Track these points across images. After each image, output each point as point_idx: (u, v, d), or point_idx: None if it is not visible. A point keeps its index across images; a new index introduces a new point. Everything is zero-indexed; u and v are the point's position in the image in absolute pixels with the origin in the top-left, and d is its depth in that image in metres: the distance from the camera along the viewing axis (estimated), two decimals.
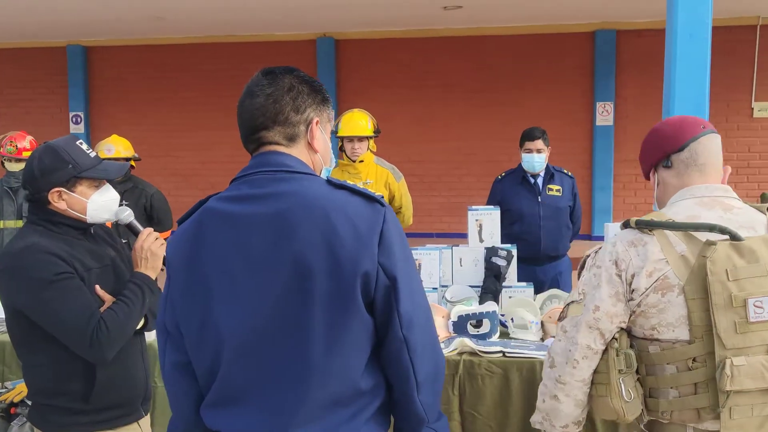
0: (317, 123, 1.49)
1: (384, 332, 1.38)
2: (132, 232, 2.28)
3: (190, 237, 1.43)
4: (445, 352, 2.84)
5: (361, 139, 4.24)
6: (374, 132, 4.30)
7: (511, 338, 3.00)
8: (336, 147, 4.43)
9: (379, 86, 9.63)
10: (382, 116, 9.34)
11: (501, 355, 2.80)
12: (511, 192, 4.31)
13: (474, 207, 3.42)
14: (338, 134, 4.29)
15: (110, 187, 2.15)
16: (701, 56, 4.59)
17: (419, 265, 3.29)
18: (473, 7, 7.93)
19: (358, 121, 4.25)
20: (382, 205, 1.39)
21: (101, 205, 2.11)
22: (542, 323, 3.05)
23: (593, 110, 9.22)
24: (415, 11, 8.11)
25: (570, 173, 4.60)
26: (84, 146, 2.10)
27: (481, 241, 3.33)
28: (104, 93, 10.28)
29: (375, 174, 4.31)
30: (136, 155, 4.97)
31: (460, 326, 3.01)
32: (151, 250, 2.16)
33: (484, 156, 9.47)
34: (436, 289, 3.27)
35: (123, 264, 2.19)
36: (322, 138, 1.51)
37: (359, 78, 9.69)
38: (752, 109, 9.01)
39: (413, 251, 3.30)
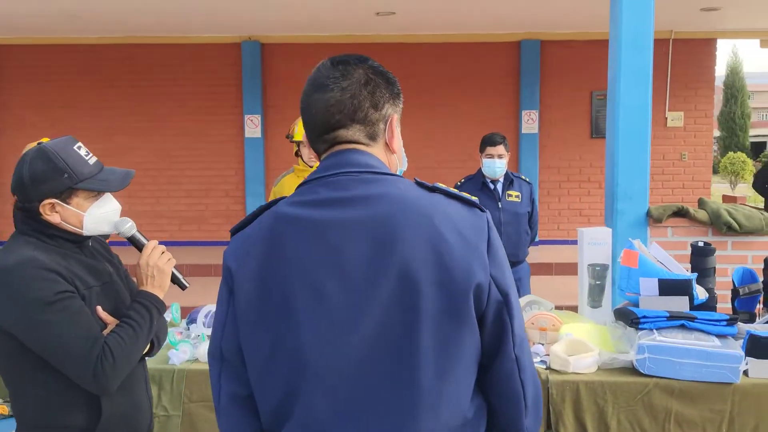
0: (395, 120, 1.35)
1: (494, 352, 1.24)
2: (135, 246, 2.04)
3: (261, 248, 1.23)
4: None
5: None
6: None
7: None
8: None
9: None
10: None
11: None
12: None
13: None
14: (294, 139, 4.14)
15: (110, 196, 1.91)
16: (644, 65, 4.75)
17: None
18: (406, 14, 7.92)
19: None
20: (482, 209, 1.27)
21: (100, 217, 1.87)
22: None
23: (519, 118, 9.42)
24: (348, 16, 8.02)
25: (527, 179, 4.66)
26: (83, 151, 1.85)
27: None
28: (12, 94, 9.59)
29: None
30: None
31: None
32: (158, 266, 1.92)
33: (414, 163, 9.44)
34: None
35: (120, 281, 1.96)
36: (398, 137, 1.38)
37: (287, 83, 9.49)
38: (666, 118, 9.47)
39: None
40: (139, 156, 9.50)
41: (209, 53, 9.49)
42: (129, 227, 2.02)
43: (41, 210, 1.79)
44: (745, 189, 21.13)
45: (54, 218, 1.81)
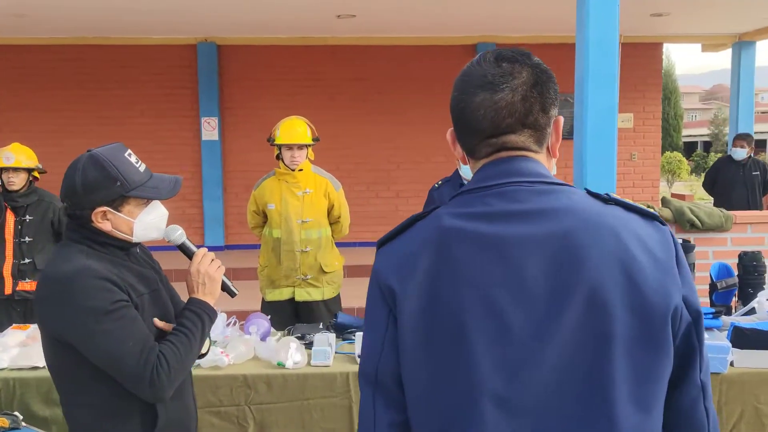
0: (561, 122, 1.22)
1: (680, 379, 1.13)
2: (185, 254, 2.03)
3: (428, 265, 1.11)
4: None
5: (300, 147, 4.12)
6: (313, 140, 4.19)
7: None
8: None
9: (265, 94, 9.41)
10: (266, 125, 9.14)
11: None
12: None
13: None
14: (276, 142, 4.13)
15: (158, 203, 1.92)
16: (610, 68, 4.92)
17: None
18: (367, 17, 7.96)
19: (297, 129, 4.12)
20: (662, 222, 1.16)
21: (149, 224, 1.89)
22: None
23: None
24: (308, 19, 8.01)
25: None
26: (133, 158, 1.86)
27: None
28: None
29: (314, 183, 4.20)
30: (40, 166, 4.52)
31: None
32: (209, 273, 1.93)
33: (371, 165, 9.52)
34: None
35: (164, 287, 1.96)
36: (559, 141, 1.24)
37: (244, 85, 9.41)
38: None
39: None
40: None
41: (164, 55, 9.32)
42: (179, 235, 2.02)
43: (93, 218, 1.79)
44: (681, 187, 21.94)
45: (105, 226, 1.81)
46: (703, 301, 3.37)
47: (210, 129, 9.39)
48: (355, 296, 5.54)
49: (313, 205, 4.16)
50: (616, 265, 1.06)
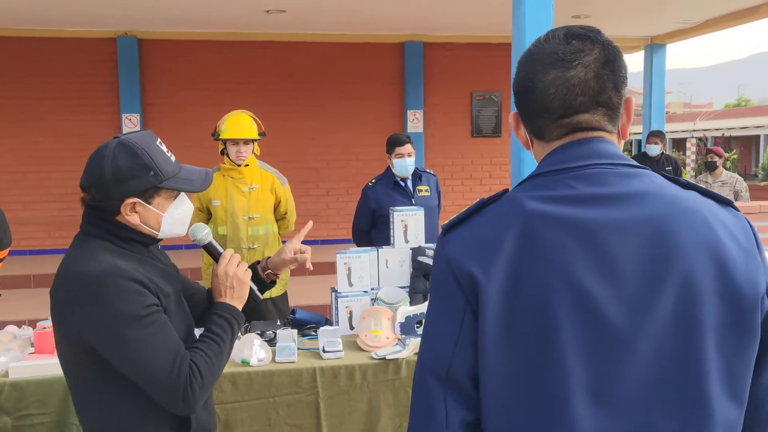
0: (632, 103, 1.16)
1: (758, 368, 1.10)
2: (211, 254, 1.91)
3: (511, 251, 1.04)
4: (404, 354, 2.83)
5: (246, 141, 4.04)
6: (259, 134, 4.12)
7: None
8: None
9: (189, 89, 9.15)
10: (191, 121, 8.96)
11: None
12: (386, 197, 4.35)
13: (399, 208, 3.43)
14: (221, 137, 4.03)
15: (185, 196, 1.78)
16: None
17: (349, 269, 3.22)
18: (296, 12, 7.87)
19: (243, 123, 4.04)
20: (736, 209, 1.13)
21: (177, 219, 1.75)
22: None
23: (404, 117, 9.65)
24: (236, 14, 7.85)
25: (433, 172, 4.81)
26: (164, 147, 1.72)
27: (407, 241, 3.35)
28: None
29: (260, 178, 4.13)
30: None
31: (407, 327, 3.00)
32: (238, 276, 1.81)
33: (302, 162, 9.43)
34: (367, 292, 3.22)
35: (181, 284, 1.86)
36: (629, 121, 1.19)
37: (167, 80, 9.12)
38: None
39: (339, 256, 3.22)
40: (3, 158, 8.76)
41: (81, 48, 8.90)
42: (206, 234, 1.89)
43: (122, 210, 1.65)
44: None
45: (133, 219, 1.67)
46: None
47: (131, 126, 9.05)
48: (301, 293, 5.49)
49: (259, 201, 4.08)
50: (707, 252, 1.03)
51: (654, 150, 8.18)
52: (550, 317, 1.02)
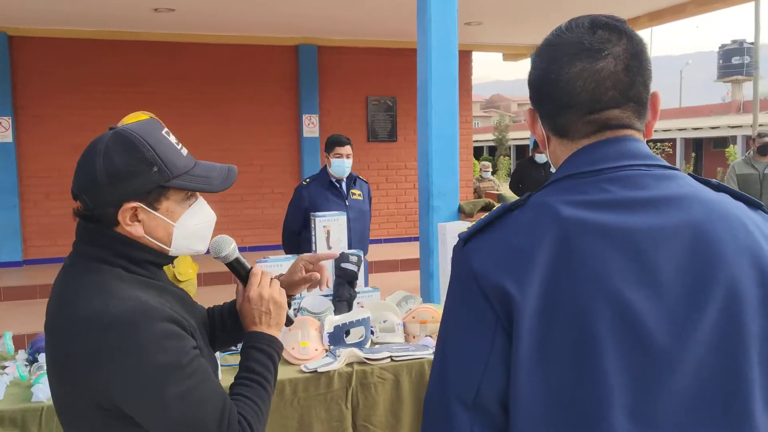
0: (659, 98, 1.09)
1: None
2: (237, 273, 1.55)
3: (545, 260, 0.96)
4: (336, 365, 2.72)
5: None
6: None
7: (382, 343, 2.98)
8: None
9: (70, 91, 8.57)
10: (73, 126, 8.37)
11: (389, 360, 2.77)
12: (321, 197, 4.38)
13: (320, 214, 3.31)
14: None
15: (205, 203, 1.43)
16: (452, 72, 5.10)
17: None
18: (186, 12, 7.55)
19: None
20: (766, 211, 1.07)
21: (193, 230, 1.39)
22: (404, 324, 3.10)
23: (300, 122, 9.49)
24: (122, 11, 7.41)
25: (365, 180, 4.86)
26: (172, 138, 1.38)
27: (329, 248, 3.24)
28: None
29: None
30: None
31: (336, 337, 2.89)
32: (275, 299, 1.48)
33: None
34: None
35: None
36: (656, 119, 1.11)
37: (44, 80, 8.49)
38: None
39: (259, 264, 3.07)
40: None
41: None
42: (233, 249, 1.53)
43: (119, 218, 1.31)
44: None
45: (136, 230, 1.32)
46: None
47: (2, 130, 8.35)
48: (209, 305, 5.20)
49: None
50: (749, 259, 0.97)
51: (542, 158, 8.50)
52: (589, 336, 0.93)
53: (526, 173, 8.71)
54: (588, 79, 1.02)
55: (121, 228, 1.33)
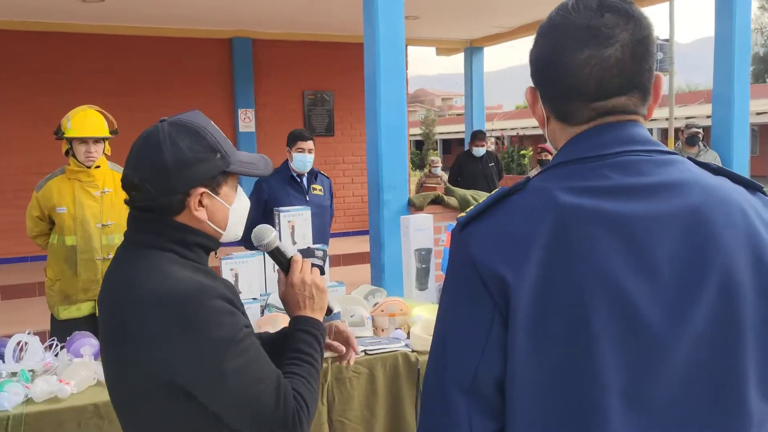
0: (662, 80, 1.08)
1: None
2: (278, 261, 1.60)
3: (542, 246, 0.95)
4: None
5: (97, 140, 3.63)
6: (111, 132, 3.72)
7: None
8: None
9: None
10: None
11: (363, 354, 2.75)
12: (281, 191, 4.34)
13: (284, 209, 3.25)
14: (66, 135, 3.58)
15: (242, 192, 1.52)
16: (400, 65, 5.11)
17: (236, 275, 3.00)
18: (115, 3, 7.26)
19: (93, 120, 3.63)
20: (765, 193, 1.07)
21: (241, 215, 1.49)
22: (373, 318, 3.08)
23: (235, 116, 9.31)
24: (45, 2, 7.07)
25: (327, 175, 4.85)
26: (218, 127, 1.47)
27: (294, 243, 3.19)
28: None
29: (113, 181, 3.73)
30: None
31: None
32: (317, 284, 1.55)
33: None
34: (257, 299, 3.01)
35: None
36: (657, 102, 1.10)
37: None
38: None
39: (224, 262, 2.99)
40: None
41: None
42: (275, 237, 1.59)
43: (190, 203, 1.36)
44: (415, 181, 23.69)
45: (202, 214, 1.38)
46: None
47: None
48: None
49: (113, 206, 3.68)
50: (746, 246, 0.97)
51: (480, 152, 8.62)
52: (585, 321, 0.93)
53: (464, 167, 8.83)
54: (595, 67, 1.01)
55: (183, 215, 1.38)
